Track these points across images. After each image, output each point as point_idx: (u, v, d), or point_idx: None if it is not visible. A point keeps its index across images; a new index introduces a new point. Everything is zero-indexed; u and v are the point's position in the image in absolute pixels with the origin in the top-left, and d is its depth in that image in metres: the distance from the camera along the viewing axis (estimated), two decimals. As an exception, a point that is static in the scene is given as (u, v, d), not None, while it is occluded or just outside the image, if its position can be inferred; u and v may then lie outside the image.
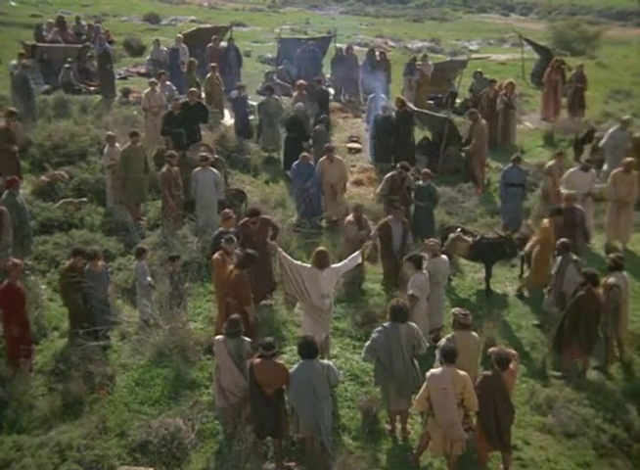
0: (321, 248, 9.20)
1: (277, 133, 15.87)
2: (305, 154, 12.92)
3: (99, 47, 19.79)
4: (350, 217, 10.97)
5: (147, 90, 15.66)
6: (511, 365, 7.15)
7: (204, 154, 12.45)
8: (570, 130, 17.33)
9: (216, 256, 9.09)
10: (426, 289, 8.89)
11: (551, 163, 13.05)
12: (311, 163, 12.89)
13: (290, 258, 9.02)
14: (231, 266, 8.75)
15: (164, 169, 12.08)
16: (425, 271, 8.99)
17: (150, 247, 11.40)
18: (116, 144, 12.85)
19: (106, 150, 12.90)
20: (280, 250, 9.08)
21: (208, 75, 17.41)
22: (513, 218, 12.33)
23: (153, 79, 16.34)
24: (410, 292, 8.73)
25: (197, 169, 12.04)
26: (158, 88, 15.69)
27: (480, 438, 7.29)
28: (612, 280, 9.04)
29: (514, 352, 7.59)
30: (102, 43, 20.16)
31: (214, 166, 13.39)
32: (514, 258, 11.18)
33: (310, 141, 14.89)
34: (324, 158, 12.54)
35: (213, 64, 17.89)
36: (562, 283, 9.41)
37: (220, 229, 10.06)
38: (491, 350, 7.49)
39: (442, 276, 9.43)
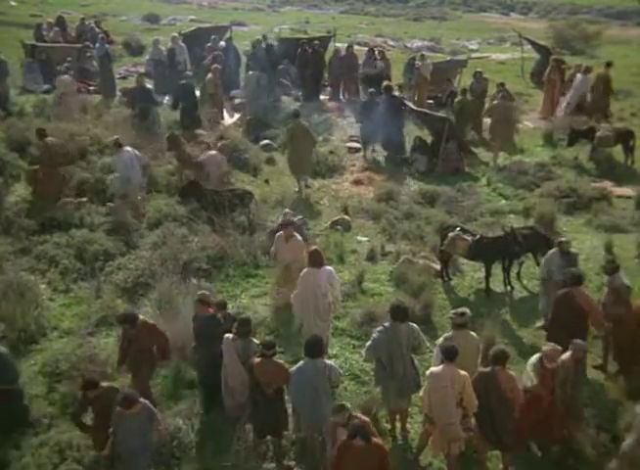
0: (314, 247, 9.27)
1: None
2: (287, 210, 11.34)
3: (101, 48, 19.77)
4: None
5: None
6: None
7: (115, 137, 12.87)
8: (569, 130, 17.32)
9: None
10: None
11: None
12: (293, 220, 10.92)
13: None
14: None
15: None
16: None
17: (149, 246, 11.44)
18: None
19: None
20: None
21: (210, 76, 17.38)
22: None
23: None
24: None
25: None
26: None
27: (478, 436, 7.29)
28: None
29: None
30: (103, 44, 20.14)
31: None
32: (521, 256, 11.15)
33: None
34: (280, 234, 10.26)
35: (216, 65, 17.89)
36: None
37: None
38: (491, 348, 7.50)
39: None
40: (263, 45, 20.53)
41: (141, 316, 8.06)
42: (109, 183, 12.86)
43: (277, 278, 10.34)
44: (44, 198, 12.46)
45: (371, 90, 17.08)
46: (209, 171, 13.12)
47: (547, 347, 7.62)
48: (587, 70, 17.99)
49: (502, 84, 18.01)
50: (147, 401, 7.02)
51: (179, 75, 18.41)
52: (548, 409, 7.41)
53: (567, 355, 7.42)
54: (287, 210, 11.29)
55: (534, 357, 7.64)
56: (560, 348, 7.58)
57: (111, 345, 9.25)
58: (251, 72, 18.63)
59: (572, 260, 9.64)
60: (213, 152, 13.37)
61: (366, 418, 6.67)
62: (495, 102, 16.57)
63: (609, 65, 18.12)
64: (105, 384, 7.22)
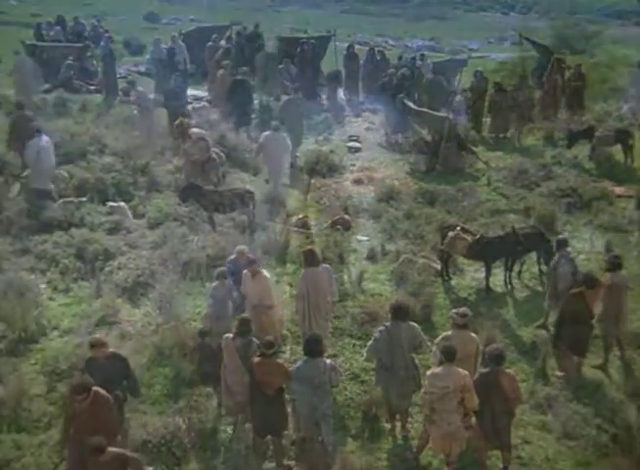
0: (309, 247, 9.28)
1: None
2: (241, 247, 9.85)
3: (105, 46, 19.77)
4: None
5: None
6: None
7: (35, 123, 13.16)
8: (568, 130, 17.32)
9: None
10: None
11: None
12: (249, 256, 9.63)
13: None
14: None
15: None
16: None
17: (150, 246, 11.44)
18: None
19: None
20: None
21: (221, 72, 17.37)
22: None
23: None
24: None
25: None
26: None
27: (478, 436, 7.29)
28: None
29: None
30: (107, 43, 20.15)
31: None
32: (524, 255, 11.12)
33: None
34: (246, 272, 9.26)
35: (226, 62, 17.92)
36: (557, 279, 9.44)
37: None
38: (487, 348, 7.48)
39: None
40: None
41: (95, 388, 6.57)
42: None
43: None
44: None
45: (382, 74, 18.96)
46: (267, 153, 13.41)
47: None
48: None
49: (499, 83, 18.10)
50: None
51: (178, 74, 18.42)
52: None
53: None
54: (241, 246, 9.88)
55: None
56: None
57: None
58: (259, 54, 18.84)
59: (568, 258, 9.64)
60: (269, 132, 13.64)
61: None
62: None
63: None
64: (112, 450, 6.03)
